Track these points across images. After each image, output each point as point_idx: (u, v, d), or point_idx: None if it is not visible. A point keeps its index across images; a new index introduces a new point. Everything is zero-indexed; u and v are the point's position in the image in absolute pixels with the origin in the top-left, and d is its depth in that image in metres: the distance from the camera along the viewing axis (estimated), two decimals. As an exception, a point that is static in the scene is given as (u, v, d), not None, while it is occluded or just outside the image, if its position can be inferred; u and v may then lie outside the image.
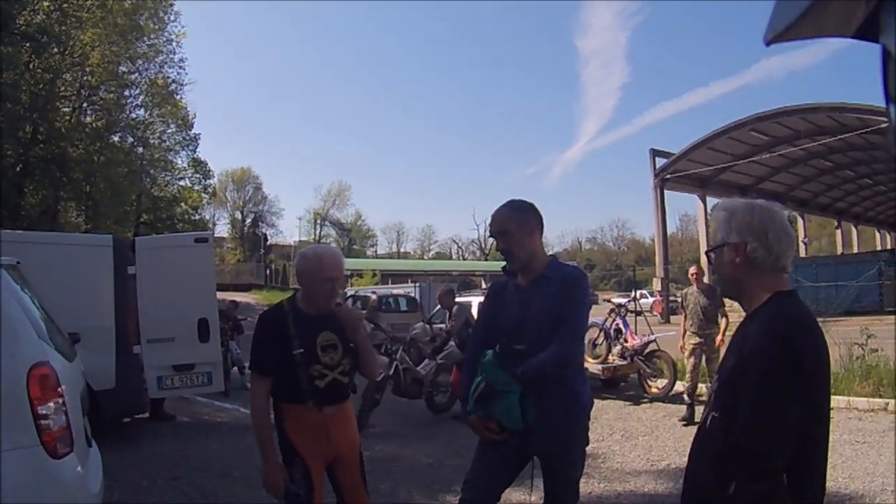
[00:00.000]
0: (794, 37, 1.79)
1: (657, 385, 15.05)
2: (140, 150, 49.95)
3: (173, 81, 50.06)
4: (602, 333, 16.00)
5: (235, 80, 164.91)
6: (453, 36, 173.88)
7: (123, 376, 11.29)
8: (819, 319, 3.08)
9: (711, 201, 47.83)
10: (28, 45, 35.06)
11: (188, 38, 50.82)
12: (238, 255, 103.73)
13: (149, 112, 50.28)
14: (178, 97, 51.77)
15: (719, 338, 12.29)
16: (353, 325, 4.94)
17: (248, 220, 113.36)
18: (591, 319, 13.81)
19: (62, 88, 40.88)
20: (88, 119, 45.65)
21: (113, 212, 44.57)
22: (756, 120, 39.64)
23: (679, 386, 13.53)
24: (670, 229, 50.00)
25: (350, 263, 63.78)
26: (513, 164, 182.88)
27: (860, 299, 29.66)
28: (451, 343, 13.95)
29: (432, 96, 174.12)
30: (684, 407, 12.40)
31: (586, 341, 14.33)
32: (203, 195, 60.05)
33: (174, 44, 49.16)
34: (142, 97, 48.83)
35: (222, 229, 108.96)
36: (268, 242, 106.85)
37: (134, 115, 49.07)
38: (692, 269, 13.12)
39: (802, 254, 57.63)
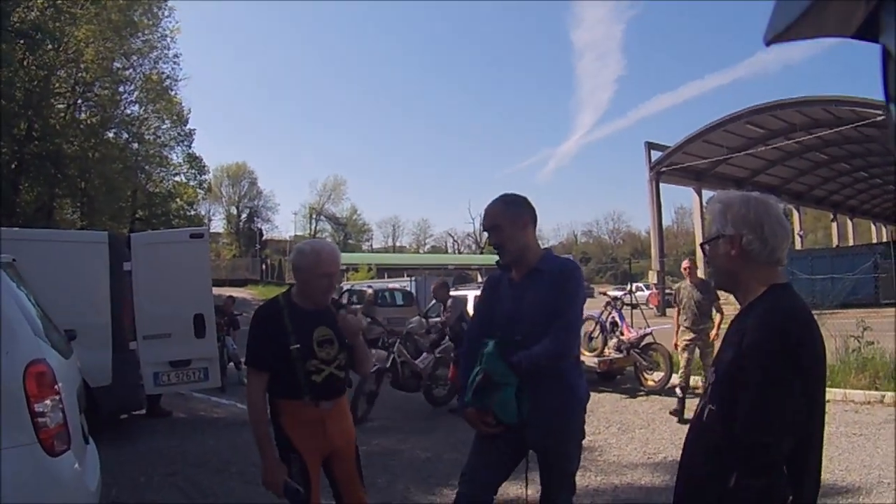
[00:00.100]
0: (794, 37, 1.79)
1: (653, 378, 15.08)
2: (135, 146, 49.79)
3: (168, 77, 50.05)
4: (598, 326, 16.02)
5: (231, 75, 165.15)
6: (447, 30, 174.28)
7: (120, 373, 11.30)
8: (815, 312, 3.08)
9: (707, 194, 47.89)
10: (22, 41, 35.02)
11: (185, 36, 51.07)
12: (234, 250, 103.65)
13: (143, 108, 50.21)
14: (173, 93, 51.79)
15: (713, 332, 12.23)
16: (353, 334, 4.95)
17: (244, 216, 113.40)
18: (588, 312, 13.87)
19: (56, 85, 40.80)
20: (83, 115, 45.61)
21: (108, 208, 44.46)
22: (751, 113, 39.69)
23: (674, 378, 13.50)
24: (666, 222, 50.20)
25: (346, 258, 63.77)
26: (508, 157, 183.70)
27: (856, 292, 29.71)
28: (448, 337, 13.97)
29: (427, 90, 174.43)
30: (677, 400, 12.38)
31: (582, 334, 14.36)
32: (198, 191, 60.09)
33: (168, 39, 49.11)
34: (136, 93, 48.72)
35: (218, 225, 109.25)
36: (263, 238, 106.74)
37: (128, 112, 49.00)
38: (685, 263, 13.06)
39: (798, 247, 57.74)
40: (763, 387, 2.67)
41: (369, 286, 35.12)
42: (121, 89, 47.09)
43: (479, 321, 5.06)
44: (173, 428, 12.57)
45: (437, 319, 14.60)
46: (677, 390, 12.17)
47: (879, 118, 33.47)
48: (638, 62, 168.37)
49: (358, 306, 25.55)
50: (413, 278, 41.06)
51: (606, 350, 15.80)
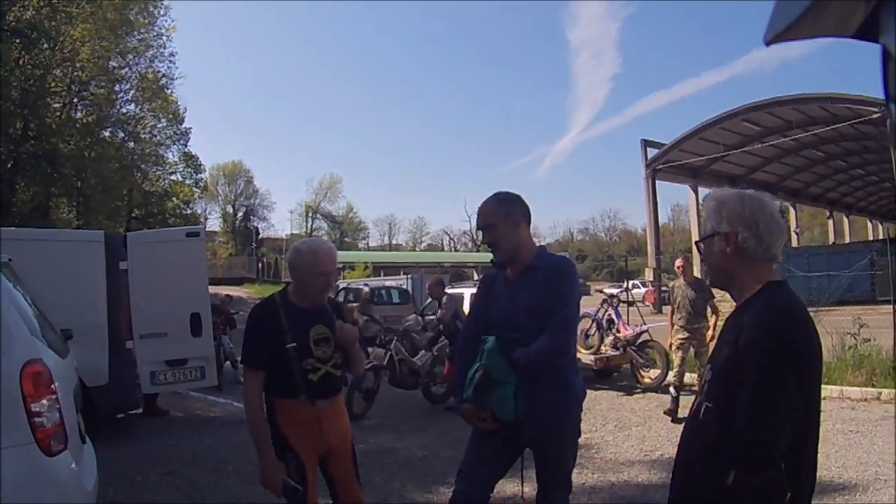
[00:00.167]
0: (794, 37, 1.79)
1: (650, 375, 15.07)
2: (131, 144, 49.82)
3: (164, 76, 50.02)
4: (594, 324, 16.02)
5: (227, 74, 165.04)
6: (443, 29, 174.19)
7: (116, 372, 11.29)
8: (811, 309, 3.09)
9: (703, 191, 47.90)
10: (18, 41, 34.97)
11: (181, 35, 50.99)
12: (230, 248, 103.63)
13: (139, 107, 50.18)
14: (169, 91, 51.70)
15: (710, 333, 12.18)
16: (350, 343, 4.96)
17: (240, 214, 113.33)
18: (584, 310, 13.85)
19: (52, 84, 40.71)
20: (79, 114, 45.49)
21: (104, 207, 44.37)
22: (748, 110, 39.71)
23: (669, 377, 13.48)
24: (662, 219, 50.09)
25: (342, 256, 63.63)
26: (504, 155, 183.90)
27: (852, 289, 29.69)
28: (443, 335, 14.00)
29: (423, 89, 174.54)
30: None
31: (579, 332, 14.36)
32: (194, 189, 60.11)
33: (164, 38, 49.06)
34: (132, 92, 48.71)
35: (214, 223, 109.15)
36: (259, 236, 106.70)
37: (124, 110, 48.98)
38: (678, 262, 13.01)
39: (794, 244, 57.73)
40: (760, 384, 2.68)
41: (366, 284, 35.09)
42: (117, 88, 47.08)
43: (474, 319, 5.09)
44: (170, 427, 12.56)
45: (433, 317, 14.61)
46: (671, 389, 12.12)
47: (875, 115, 33.53)
48: (634, 60, 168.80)
49: (354, 304, 25.62)
50: (409, 276, 41.02)
51: (603, 347, 15.81)
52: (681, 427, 3.27)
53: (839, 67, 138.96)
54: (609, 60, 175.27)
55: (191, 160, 55.98)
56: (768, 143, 42.82)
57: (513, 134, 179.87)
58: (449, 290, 16.21)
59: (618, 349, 15.66)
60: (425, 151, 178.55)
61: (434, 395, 13.91)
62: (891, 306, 14.66)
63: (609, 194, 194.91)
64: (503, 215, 4.68)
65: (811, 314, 2.99)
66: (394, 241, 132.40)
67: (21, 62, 36.59)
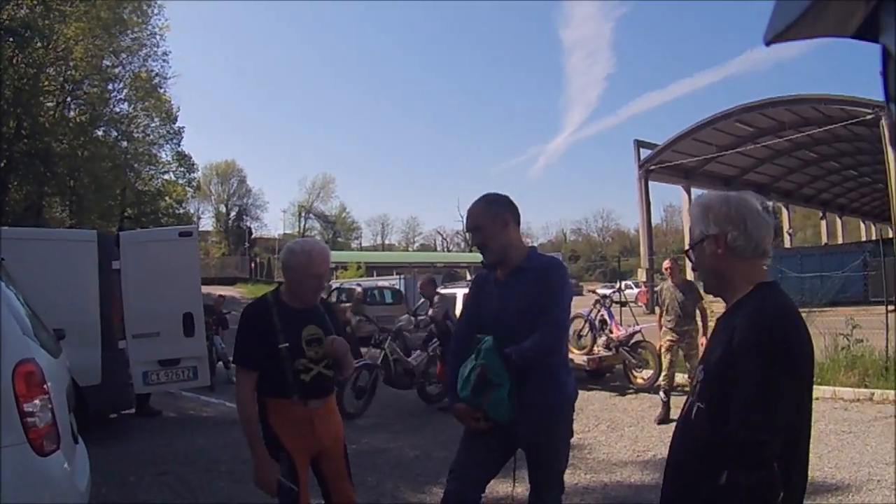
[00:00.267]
0: (794, 37, 1.80)
1: (642, 376, 15.09)
2: (124, 144, 49.71)
3: (157, 75, 50.03)
4: (587, 324, 15.98)
5: (220, 73, 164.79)
6: (436, 28, 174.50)
7: (109, 372, 11.28)
8: (804, 310, 3.13)
9: (696, 192, 47.92)
10: (11, 39, 34.94)
11: (174, 33, 50.97)
12: (223, 248, 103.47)
13: (133, 106, 50.13)
14: (162, 90, 51.78)
15: (701, 338, 12.11)
16: (343, 356, 4.96)
17: (233, 214, 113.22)
18: (576, 311, 13.87)
19: (46, 83, 40.71)
20: (72, 113, 45.52)
21: (97, 206, 44.41)
22: (741, 111, 39.72)
23: (659, 379, 13.47)
24: (655, 220, 50.25)
25: (335, 256, 63.62)
26: (498, 155, 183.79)
27: (845, 290, 29.68)
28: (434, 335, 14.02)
29: (416, 88, 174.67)
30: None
31: (571, 332, 14.38)
32: (187, 189, 60.23)
33: (158, 37, 48.99)
34: (126, 91, 48.71)
35: (207, 223, 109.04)
36: (252, 236, 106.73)
37: (118, 109, 48.98)
38: (666, 264, 12.94)
39: (787, 245, 57.91)
40: (754, 385, 2.68)
41: (358, 284, 35.09)
42: (110, 87, 47.11)
43: (466, 320, 5.09)
44: (163, 427, 12.56)
45: (423, 317, 14.61)
46: (661, 394, 12.10)
47: (869, 117, 33.59)
48: (627, 60, 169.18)
49: (347, 304, 25.57)
50: (402, 276, 41.04)
51: (595, 348, 15.79)
52: (673, 427, 3.27)
53: (833, 68, 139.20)
54: (603, 60, 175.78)
55: (184, 159, 56.10)
56: (761, 143, 42.81)
57: (506, 133, 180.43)
58: (442, 291, 16.22)
59: (610, 350, 15.65)
60: (419, 151, 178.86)
61: (429, 394, 13.92)
62: (883, 307, 14.68)
63: (602, 194, 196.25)
64: (492, 216, 4.70)
65: (803, 315, 3.00)
66: (386, 241, 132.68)
67: (14, 61, 36.59)
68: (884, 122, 32.79)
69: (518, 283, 4.63)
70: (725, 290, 3.12)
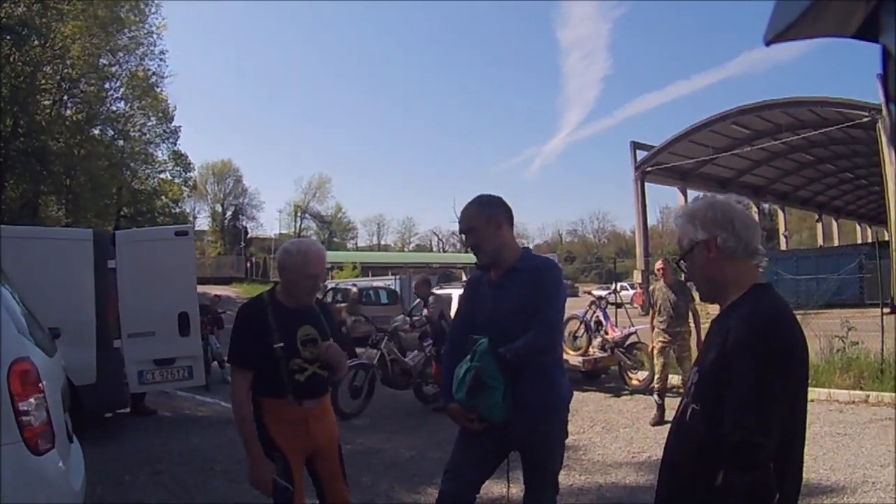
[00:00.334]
0: (794, 37, 1.80)
1: (638, 377, 15.10)
2: (120, 143, 49.72)
3: (154, 74, 49.94)
4: (583, 326, 16.03)
5: (216, 72, 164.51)
6: (434, 26, 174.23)
7: (104, 371, 11.26)
8: (800, 312, 3.14)
9: (692, 194, 47.83)
10: (8, 37, 34.92)
11: (171, 32, 50.90)
12: (218, 248, 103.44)
13: (129, 105, 50.09)
14: (159, 90, 51.68)
15: (693, 342, 12.13)
16: (338, 363, 4.98)
17: (229, 213, 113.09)
18: (572, 312, 13.86)
19: (43, 81, 40.69)
20: (69, 112, 45.41)
21: (93, 205, 44.34)
22: (738, 113, 39.69)
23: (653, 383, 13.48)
24: (651, 222, 50.02)
25: (330, 256, 63.23)
26: (494, 155, 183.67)
27: (841, 292, 29.76)
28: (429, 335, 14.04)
29: (412, 88, 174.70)
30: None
31: (566, 334, 14.40)
32: (183, 188, 60.14)
33: (155, 36, 48.92)
34: (122, 90, 48.68)
35: (203, 222, 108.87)
36: (248, 235, 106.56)
37: (114, 108, 48.93)
38: (658, 264, 12.94)
39: (783, 247, 57.93)
40: (749, 386, 2.69)
41: (354, 284, 35.08)
42: (107, 86, 47.04)
43: (460, 321, 5.12)
44: (158, 426, 12.55)
45: (418, 318, 14.60)
46: (655, 397, 12.09)
47: (865, 119, 33.58)
48: (625, 61, 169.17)
49: (343, 304, 25.58)
50: (398, 277, 41.00)
51: (591, 349, 15.84)
52: (668, 428, 3.28)
53: (830, 71, 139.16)
54: (600, 61, 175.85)
55: (180, 159, 56.07)
56: (758, 146, 42.79)
57: (503, 134, 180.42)
58: (437, 291, 16.23)
59: (606, 351, 15.70)
60: (415, 151, 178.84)
61: (426, 395, 13.94)
62: (879, 309, 14.70)
63: (598, 196, 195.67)
64: (485, 218, 4.72)
65: (799, 317, 3.01)
66: (382, 242, 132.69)
67: (11, 59, 36.54)
68: (880, 125, 32.80)
69: (512, 284, 4.64)
70: (721, 295, 3.13)
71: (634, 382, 15.07)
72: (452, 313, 10.48)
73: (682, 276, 11.45)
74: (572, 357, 15.19)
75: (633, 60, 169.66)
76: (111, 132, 49.00)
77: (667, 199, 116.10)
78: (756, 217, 3.33)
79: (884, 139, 32.99)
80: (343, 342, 5.21)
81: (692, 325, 12.17)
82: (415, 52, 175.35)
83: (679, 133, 42.46)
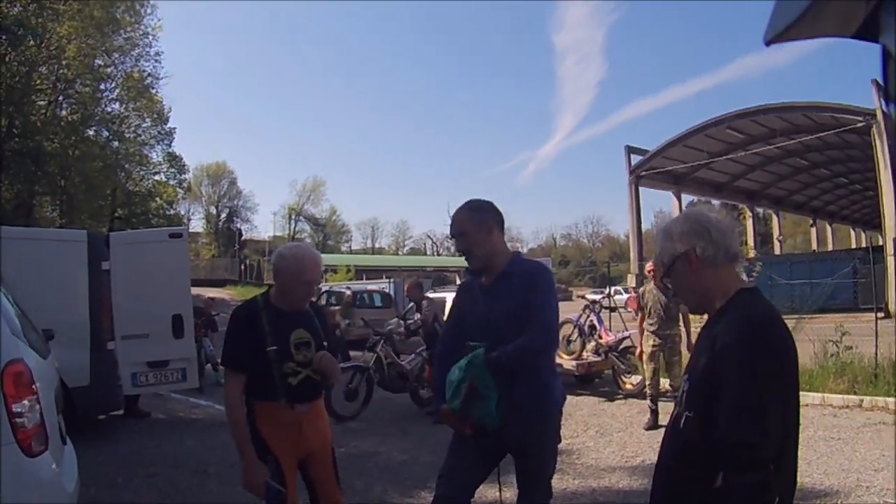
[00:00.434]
0: (794, 37, 1.80)
1: (631, 381, 15.08)
2: (115, 144, 49.66)
3: (149, 75, 49.99)
4: (576, 330, 16.00)
5: (211, 73, 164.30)
6: (428, 30, 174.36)
7: (98, 373, 11.28)
8: (794, 316, 3.15)
9: (686, 198, 48.01)
10: (4, 37, 35.00)
11: (167, 32, 50.85)
12: (213, 250, 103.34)
13: (124, 106, 50.08)
14: (154, 91, 51.68)
15: (684, 345, 12.16)
16: (333, 374, 4.99)
17: (223, 216, 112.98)
18: (566, 316, 13.86)
19: (38, 81, 40.74)
20: (64, 112, 45.46)
21: (88, 206, 44.43)
22: (732, 118, 39.76)
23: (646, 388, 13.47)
24: (645, 226, 49.91)
25: (325, 259, 62.60)
26: (489, 159, 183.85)
27: (835, 297, 29.72)
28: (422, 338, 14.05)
29: (408, 92, 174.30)
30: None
31: (560, 337, 14.38)
32: (178, 190, 60.07)
33: (150, 37, 49.03)
34: (117, 91, 48.67)
35: (197, 224, 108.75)
36: (242, 238, 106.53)
37: (109, 109, 48.95)
38: (649, 266, 12.95)
39: (777, 251, 57.97)
40: (740, 386, 2.71)
41: (348, 287, 35.03)
42: (102, 87, 47.11)
43: (452, 325, 5.13)
44: (151, 429, 12.55)
45: (411, 321, 14.59)
46: (648, 400, 12.07)
47: (860, 124, 33.70)
48: (619, 65, 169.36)
49: (336, 308, 25.58)
50: (392, 280, 41.04)
51: (584, 353, 15.80)
52: (662, 432, 3.28)
53: (825, 76, 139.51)
54: (595, 66, 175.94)
55: (175, 160, 55.96)
56: (752, 150, 42.92)
57: (498, 138, 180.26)
58: (431, 295, 16.24)
59: (599, 355, 15.67)
60: (410, 154, 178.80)
61: (422, 398, 13.89)
62: (873, 314, 14.71)
63: (592, 200, 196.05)
64: (476, 223, 4.73)
65: (793, 321, 3.04)
66: (376, 245, 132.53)
67: (7, 59, 36.60)
68: (874, 129, 32.90)
69: (503, 288, 4.65)
70: (708, 304, 3.15)
71: (628, 387, 15.06)
72: (446, 317, 10.49)
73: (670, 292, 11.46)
74: (566, 361, 15.20)
75: (627, 65, 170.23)
76: (106, 133, 49.02)
77: (661, 204, 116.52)
78: (728, 221, 3.32)
79: (878, 144, 33.08)
80: (336, 345, 5.23)
81: (682, 327, 12.18)
82: (409, 55, 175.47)
83: (673, 137, 42.56)
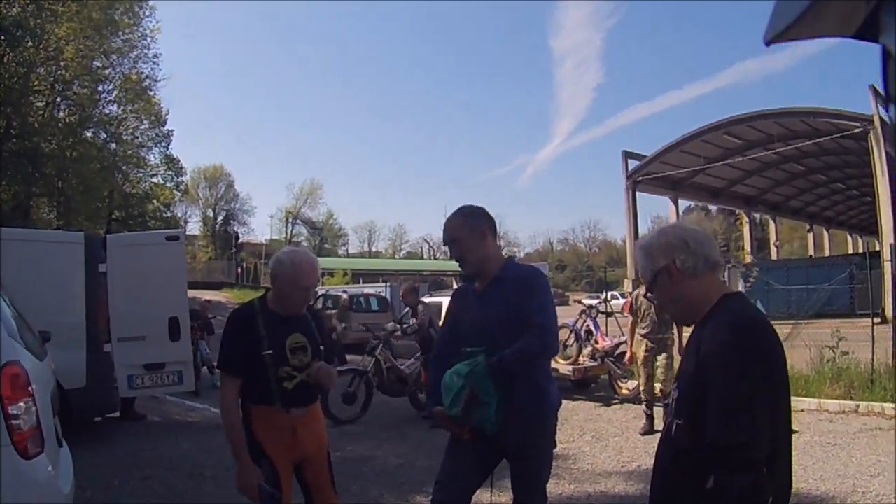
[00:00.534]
0: (794, 37, 1.80)
1: (627, 386, 15.08)
2: (113, 146, 49.55)
3: (147, 77, 49.95)
4: (573, 335, 16.01)
5: (209, 76, 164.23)
6: (427, 34, 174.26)
7: (94, 375, 11.27)
8: (790, 322, 3.17)
9: (683, 204, 48.06)
10: (3, 38, 34.99)
11: (164, 34, 50.80)
12: (209, 253, 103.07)
13: (122, 108, 50.01)
14: (152, 93, 51.64)
15: (676, 350, 12.12)
16: (328, 384, 5.00)
17: (220, 218, 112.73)
18: (563, 321, 13.85)
19: (36, 83, 40.71)
20: (62, 114, 45.49)
21: (85, 208, 44.34)
22: (729, 123, 39.74)
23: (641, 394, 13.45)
24: (642, 231, 49.82)
25: (321, 262, 63.00)
26: (486, 163, 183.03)
27: (831, 302, 29.73)
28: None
29: (405, 95, 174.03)
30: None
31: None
32: (175, 192, 60.01)
33: (149, 39, 48.97)
34: (115, 93, 48.58)
35: (194, 227, 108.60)
36: (239, 241, 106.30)
37: (107, 111, 48.89)
38: None
39: (774, 256, 58.03)
40: (726, 390, 2.73)
41: (344, 291, 34.98)
42: (100, 88, 47.05)
43: (447, 331, 5.15)
44: (147, 431, 12.54)
45: (408, 325, 14.58)
46: (644, 407, 12.08)
47: (857, 130, 33.71)
48: (617, 70, 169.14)
49: (333, 311, 25.58)
50: (388, 284, 41.00)
51: (581, 358, 15.81)
52: (657, 437, 3.30)
53: (823, 82, 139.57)
54: (592, 70, 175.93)
55: (172, 163, 55.85)
56: (749, 156, 42.88)
57: (496, 142, 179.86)
58: (428, 299, 16.25)
59: (596, 360, 15.68)
60: (408, 158, 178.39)
61: (421, 402, 13.87)
62: (869, 320, 14.73)
63: (589, 205, 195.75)
64: (469, 229, 4.76)
65: (782, 326, 3.07)
66: (373, 249, 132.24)
67: (5, 59, 36.61)
68: (871, 137, 32.92)
69: (497, 294, 4.67)
70: (693, 315, 3.18)
71: (624, 392, 15.06)
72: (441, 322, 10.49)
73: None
74: (562, 366, 15.20)
75: (625, 70, 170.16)
76: (104, 135, 48.95)
77: (658, 209, 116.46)
78: (705, 232, 3.39)
79: (875, 150, 33.10)
80: (333, 349, 5.22)
81: (675, 333, 12.16)
82: (407, 58, 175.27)
83: (671, 143, 42.53)
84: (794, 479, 2.94)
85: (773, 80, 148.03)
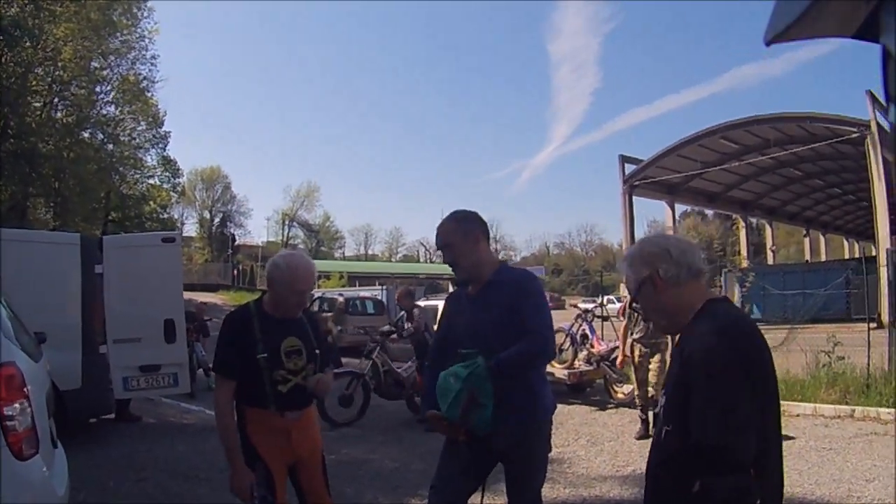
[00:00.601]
0: (794, 37, 1.80)
1: (623, 390, 15.04)
2: (110, 147, 49.49)
3: (145, 78, 49.88)
4: (568, 339, 15.99)
5: (207, 77, 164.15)
6: (424, 37, 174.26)
7: (89, 376, 11.23)
8: (787, 326, 3.18)
9: (680, 208, 48.17)
10: (0, 38, 34.89)
11: (163, 36, 50.76)
12: (206, 254, 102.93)
13: (120, 109, 49.92)
14: (150, 94, 51.55)
15: (669, 354, 12.05)
16: (324, 393, 5.04)
17: (217, 220, 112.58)
18: (558, 324, 13.85)
19: (33, 83, 40.65)
20: (59, 114, 45.43)
21: (82, 209, 44.24)
22: (726, 128, 39.77)
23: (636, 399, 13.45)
24: (638, 235, 49.81)
25: (318, 265, 62.49)
26: (483, 166, 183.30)
27: (828, 307, 29.80)
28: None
29: (402, 98, 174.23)
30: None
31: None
32: (172, 194, 60.07)
33: (147, 40, 48.96)
34: (113, 94, 48.53)
35: (190, 229, 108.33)
36: (236, 243, 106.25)
37: (105, 112, 48.77)
38: None
39: (770, 261, 58.03)
40: (709, 389, 2.75)
41: (340, 294, 35.01)
42: (97, 89, 47.00)
43: (441, 335, 5.16)
44: (143, 433, 12.51)
45: (402, 329, 14.58)
46: (639, 410, 12.08)
47: (854, 135, 33.78)
48: (614, 75, 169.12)
49: (329, 314, 25.59)
50: (384, 287, 40.98)
51: (576, 362, 15.79)
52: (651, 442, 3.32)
53: (819, 87, 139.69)
54: (589, 75, 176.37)
55: (169, 164, 55.89)
56: (746, 161, 42.96)
57: (492, 146, 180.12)
58: (423, 303, 16.25)
59: (591, 364, 15.64)
60: (404, 161, 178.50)
61: (418, 406, 13.81)
62: (865, 324, 14.74)
63: (586, 209, 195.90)
64: (462, 234, 4.76)
65: (778, 330, 3.07)
66: (369, 252, 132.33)
67: (3, 59, 36.57)
68: (868, 142, 32.96)
69: (491, 298, 4.67)
70: (678, 323, 3.21)
71: (620, 396, 15.04)
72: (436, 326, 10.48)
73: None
74: (558, 370, 15.18)
75: (622, 74, 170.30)
76: (101, 136, 48.89)
77: (655, 213, 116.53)
78: (689, 240, 3.43)
79: (872, 155, 33.14)
80: (328, 352, 5.22)
81: (668, 337, 12.14)
82: (404, 61, 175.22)
83: (667, 147, 42.56)
84: (789, 484, 2.96)
85: (771, 84, 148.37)
